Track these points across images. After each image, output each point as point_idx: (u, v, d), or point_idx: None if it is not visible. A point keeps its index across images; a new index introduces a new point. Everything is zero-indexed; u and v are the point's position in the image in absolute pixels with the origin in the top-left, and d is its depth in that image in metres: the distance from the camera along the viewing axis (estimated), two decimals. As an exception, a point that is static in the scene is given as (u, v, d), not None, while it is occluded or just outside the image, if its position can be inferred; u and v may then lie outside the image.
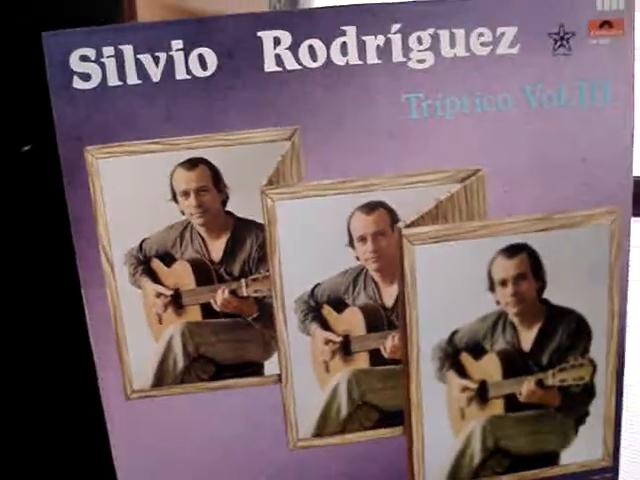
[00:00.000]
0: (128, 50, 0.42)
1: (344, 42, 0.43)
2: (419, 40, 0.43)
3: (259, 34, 0.42)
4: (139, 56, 0.42)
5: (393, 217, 0.46)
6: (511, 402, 0.49)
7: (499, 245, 0.46)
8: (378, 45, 0.43)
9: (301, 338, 0.47)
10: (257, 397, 0.47)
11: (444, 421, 0.49)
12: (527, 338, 0.48)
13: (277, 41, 0.42)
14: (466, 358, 0.48)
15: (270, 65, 0.43)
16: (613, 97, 0.45)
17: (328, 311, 0.47)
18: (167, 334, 0.46)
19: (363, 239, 0.46)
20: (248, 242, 0.46)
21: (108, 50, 0.41)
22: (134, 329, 0.46)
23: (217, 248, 0.46)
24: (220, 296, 0.46)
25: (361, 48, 0.43)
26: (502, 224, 0.46)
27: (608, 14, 0.44)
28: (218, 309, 0.46)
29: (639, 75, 0.45)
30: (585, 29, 0.44)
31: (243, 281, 0.46)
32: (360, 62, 0.43)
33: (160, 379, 0.47)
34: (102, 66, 0.42)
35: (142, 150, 0.43)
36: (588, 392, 0.49)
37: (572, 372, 0.49)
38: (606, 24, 0.44)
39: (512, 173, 0.45)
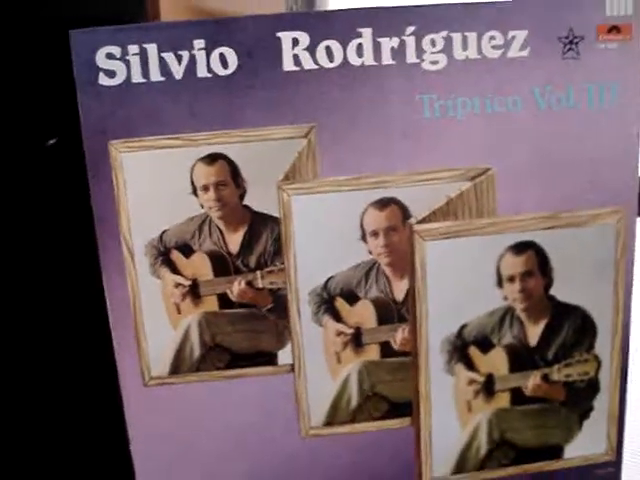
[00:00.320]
0: (152, 48, 0.42)
1: (360, 43, 0.43)
2: (432, 42, 0.44)
3: (278, 35, 0.43)
4: (163, 54, 0.42)
5: (405, 213, 0.47)
6: (517, 396, 0.50)
7: (507, 242, 0.47)
8: (393, 47, 0.44)
9: (314, 329, 0.48)
10: (270, 386, 0.48)
11: (451, 413, 0.49)
12: (533, 333, 0.49)
13: (295, 42, 0.43)
14: (474, 352, 0.49)
15: (288, 65, 0.43)
16: (620, 99, 0.46)
17: (340, 303, 0.48)
18: (185, 323, 0.47)
19: (375, 234, 0.47)
20: (264, 235, 0.46)
21: (133, 48, 0.42)
22: (153, 317, 0.47)
23: (234, 241, 0.47)
24: (236, 287, 0.47)
25: (376, 49, 0.44)
26: (510, 222, 0.47)
27: (617, 19, 0.45)
28: (234, 300, 0.47)
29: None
30: (594, 34, 0.45)
31: (259, 273, 0.47)
32: (375, 63, 0.44)
33: (177, 367, 0.48)
34: (127, 63, 0.42)
35: (164, 145, 0.44)
36: (592, 387, 0.50)
37: (577, 367, 0.49)
38: (614, 29, 0.45)
39: (520, 172, 0.46)
